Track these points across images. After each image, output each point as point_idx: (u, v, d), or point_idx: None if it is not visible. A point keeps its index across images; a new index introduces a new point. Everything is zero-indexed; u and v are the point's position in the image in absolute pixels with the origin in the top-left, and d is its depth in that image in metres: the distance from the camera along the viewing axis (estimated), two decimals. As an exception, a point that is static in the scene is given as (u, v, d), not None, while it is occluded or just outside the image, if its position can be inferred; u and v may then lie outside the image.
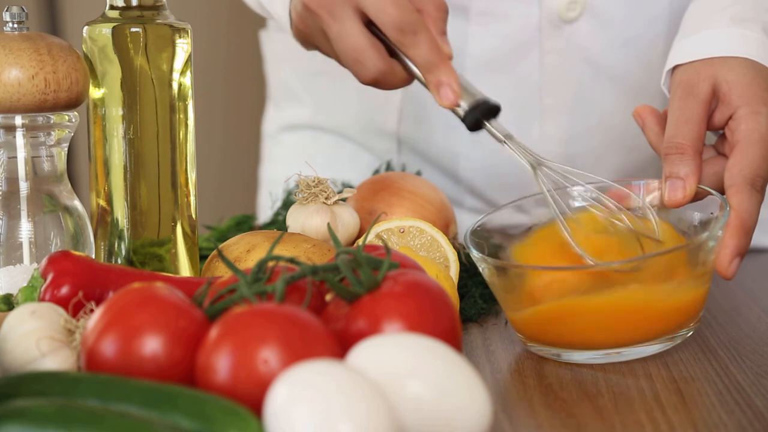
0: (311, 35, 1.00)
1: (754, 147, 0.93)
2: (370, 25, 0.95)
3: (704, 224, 0.92)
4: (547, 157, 0.96)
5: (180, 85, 0.97)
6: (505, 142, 0.96)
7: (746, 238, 0.90)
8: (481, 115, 0.96)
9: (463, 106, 0.96)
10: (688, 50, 1.00)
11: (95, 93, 0.96)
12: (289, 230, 0.98)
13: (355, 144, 1.32)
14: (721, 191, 0.93)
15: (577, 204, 0.97)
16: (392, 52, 0.96)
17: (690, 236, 0.93)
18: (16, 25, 0.94)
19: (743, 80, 0.96)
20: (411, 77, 0.97)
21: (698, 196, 0.93)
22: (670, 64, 1.01)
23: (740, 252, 0.90)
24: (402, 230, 0.97)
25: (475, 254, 0.91)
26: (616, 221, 0.93)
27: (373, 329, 0.74)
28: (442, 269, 0.93)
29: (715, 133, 0.98)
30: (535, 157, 0.95)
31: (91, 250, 0.96)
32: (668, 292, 0.88)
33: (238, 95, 2.45)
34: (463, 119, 0.96)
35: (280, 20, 1.05)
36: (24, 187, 0.94)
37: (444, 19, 0.97)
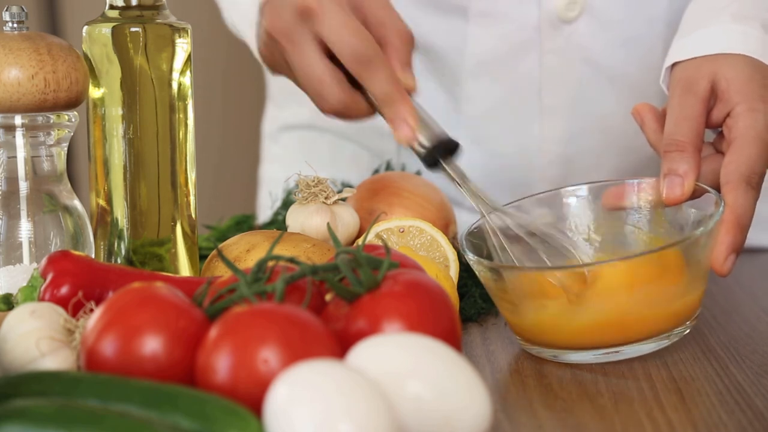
0: (276, 63, 0.99)
1: (750, 144, 0.93)
2: (333, 55, 0.94)
3: (700, 222, 0.92)
4: (500, 203, 0.95)
5: (180, 84, 0.97)
6: (459, 184, 0.95)
7: (741, 235, 0.90)
8: (438, 153, 0.94)
9: (422, 142, 0.94)
10: (687, 47, 1.00)
11: (95, 93, 0.96)
12: (288, 230, 0.98)
13: (355, 144, 1.32)
14: (718, 188, 0.93)
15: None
16: (356, 82, 0.94)
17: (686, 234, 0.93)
18: (15, 25, 0.94)
19: (741, 77, 0.96)
20: (374, 109, 0.95)
21: (695, 194, 0.93)
22: (669, 62, 1.01)
23: (735, 249, 0.90)
24: (402, 230, 0.97)
25: (470, 256, 0.91)
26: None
27: (373, 329, 0.74)
28: (442, 269, 0.93)
29: (714, 131, 0.98)
30: (488, 203, 0.94)
31: (90, 249, 0.96)
32: (665, 291, 0.88)
33: (238, 95, 2.45)
34: (421, 156, 0.94)
35: (250, 45, 1.05)
36: (24, 186, 0.94)
37: (408, 49, 0.95)
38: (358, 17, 0.95)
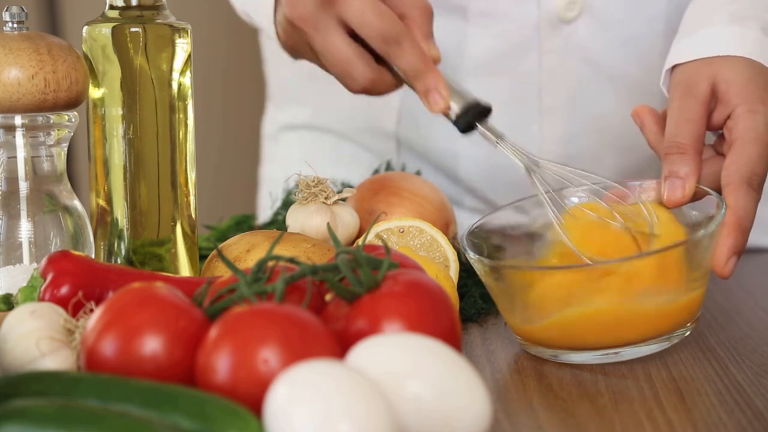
0: (298, 48, 1.00)
1: (750, 146, 0.93)
2: (355, 34, 0.95)
3: (701, 224, 0.92)
4: (542, 157, 0.96)
5: (180, 84, 0.97)
6: (497, 142, 0.96)
7: (743, 237, 0.90)
8: (472, 117, 0.96)
9: (454, 109, 0.95)
10: (687, 49, 1.00)
11: (95, 93, 0.96)
12: (288, 230, 0.98)
13: (355, 144, 1.32)
14: (719, 191, 0.93)
15: (572, 202, 0.97)
16: (380, 56, 0.96)
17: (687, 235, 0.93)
18: (15, 25, 0.94)
19: (741, 79, 0.96)
20: (400, 81, 0.97)
21: (696, 196, 0.93)
22: (669, 64, 1.01)
23: (737, 250, 0.90)
24: (402, 230, 0.97)
25: (471, 256, 0.91)
26: (612, 220, 0.93)
27: (373, 329, 0.74)
28: (442, 269, 0.93)
29: (715, 133, 0.98)
30: (530, 157, 0.95)
31: (90, 250, 0.96)
32: (666, 292, 0.88)
33: (238, 95, 2.45)
34: (455, 122, 0.96)
35: (268, 32, 1.06)
36: (24, 187, 0.94)
37: (429, 21, 0.96)
38: None
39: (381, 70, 0.96)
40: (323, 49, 0.95)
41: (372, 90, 0.97)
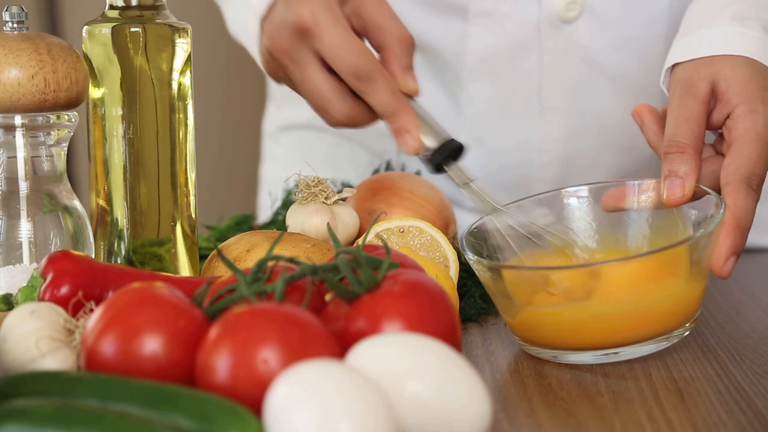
0: (278, 76, 1.00)
1: (750, 145, 0.93)
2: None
3: (700, 223, 0.92)
4: (507, 204, 0.96)
5: (180, 84, 0.97)
6: (465, 186, 0.95)
7: (742, 237, 0.90)
8: (443, 157, 0.95)
9: (426, 148, 0.95)
10: (687, 48, 1.00)
11: (95, 93, 0.96)
12: (288, 230, 0.98)
13: (354, 144, 1.32)
14: (718, 190, 0.93)
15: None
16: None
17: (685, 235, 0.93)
18: (15, 25, 0.94)
19: (741, 78, 0.96)
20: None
21: (695, 196, 0.93)
22: (669, 63, 1.01)
23: (736, 251, 0.90)
24: (402, 230, 0.97)
25: (470, 256, 0.91)
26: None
27: (372, 329, 0.74)
28: (442, 269, 0.93)
29: (714, 132, 0.98)
30: (494, 204, 0.95)
31: (90, 249, 0.96)
32: (664, 292, 0.88)
33: (238, 95, 2.45)
34: (427, 162, 0.95)
35: (254, 56, 1.06)
36: (23, 186, 0.94)
37: (409, 53, 0.95)
38: (357, 23, 0.95)
39: (358, 105, 0.95)
40: (300, 82, 0.95)
41: (350, 124, 0.96)
